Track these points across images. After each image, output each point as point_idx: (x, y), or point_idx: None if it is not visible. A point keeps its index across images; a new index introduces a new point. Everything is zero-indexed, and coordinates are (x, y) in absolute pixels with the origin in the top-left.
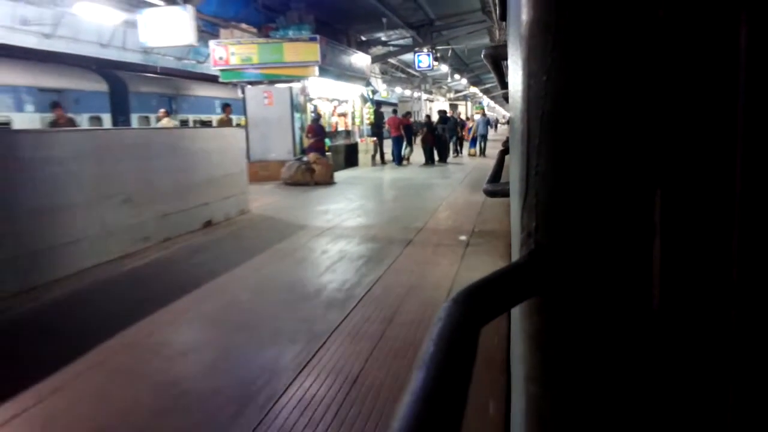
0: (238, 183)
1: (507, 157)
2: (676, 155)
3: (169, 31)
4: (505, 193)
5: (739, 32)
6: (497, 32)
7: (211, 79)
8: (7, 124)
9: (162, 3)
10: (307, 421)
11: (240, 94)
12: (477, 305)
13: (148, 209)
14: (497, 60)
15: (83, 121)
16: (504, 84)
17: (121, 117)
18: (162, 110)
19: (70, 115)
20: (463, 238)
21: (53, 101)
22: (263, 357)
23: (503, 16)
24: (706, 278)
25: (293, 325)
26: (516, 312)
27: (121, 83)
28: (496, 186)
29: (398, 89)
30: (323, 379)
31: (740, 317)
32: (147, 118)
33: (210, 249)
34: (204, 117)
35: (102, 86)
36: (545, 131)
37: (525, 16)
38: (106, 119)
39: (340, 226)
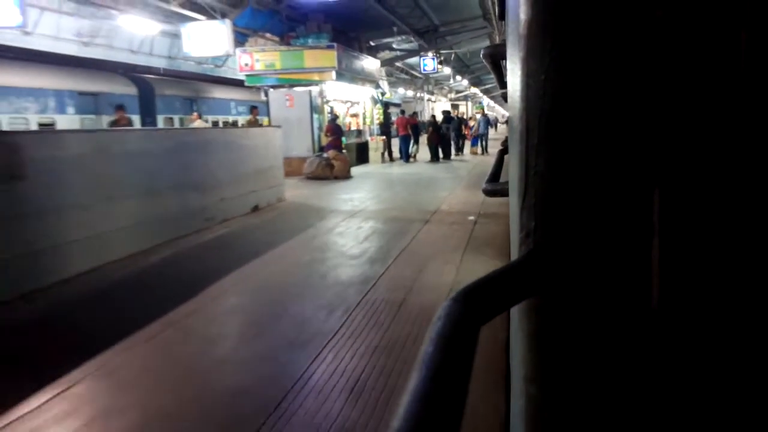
0: (277, 175)
1: (506, 156)
2: (675, 155)
3: (209, 42)
4: (505, 193)
5: (738, 32)
6: (497, 37)
7: (228, 83)
8: (51, 125)
9: (203, 18)
10: (374, 324)
11: (263, 97)
12: (476, 304)
13: (211, 195)
14: (496, 59)
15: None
16: (503, 83)
17: (148, 118)
18: (195, 113)
19: (104, 116)
20: (471, 218)
21: (117, 104)
22: (333, 292)
23: (502, 16)
24: (705, 278)
25: (349, 273)
26: (515, 311)
27: (149, 87)
28: (495, 185)
29: (401, 90)
30: (379, 303)
31: (739, 317)
32: (171, 119)
33: (263, 227)
34: (221, 118)
35: (132, 90)
36: (544, 131)
37: (523, 15)
38: (136, 120)
39: (365, 210)
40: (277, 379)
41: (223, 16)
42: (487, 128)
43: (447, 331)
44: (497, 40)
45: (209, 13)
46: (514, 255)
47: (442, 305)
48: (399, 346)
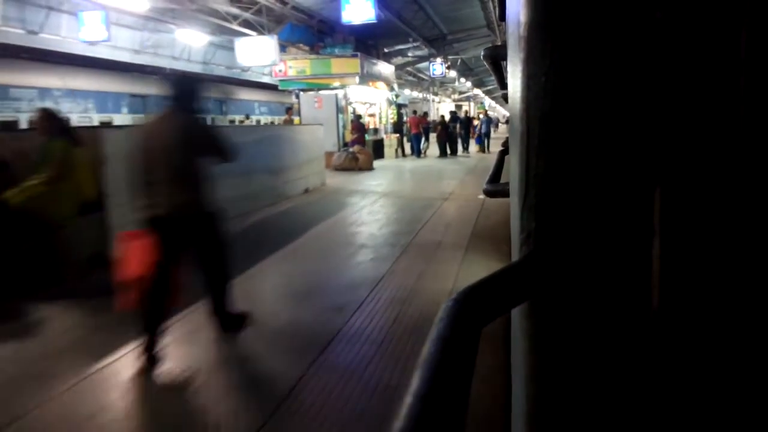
0: (320, 164)
1: (506, 157)
2: (676, 154)
3: (258, 53)
4: (505, 194)
5: (738, 32)
6: (499, 43)
7: (252, 85)
8: (109, 122)
9: (254, 33)
10: (423, 252)
11: (294, 99)
12: (477, 306)
13: (279, 177)
14: (496, 60)
15: None
16: (503, 84)
17: None
18: (245, 115)
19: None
20: (481, 197)
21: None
22: (390, 237)
23: (502, 17)
24: (706, 279)
25: (397, 228)
26: (516, 312)
27: None
28: (496, 186)
29: (406, 91)
30: (425, 241)
31: (741, 319)
32: (204, 118)
33: (319, 202)
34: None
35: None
36: (545, 132)
37: (523, 17)
38: None
39: (394, 192)
40: (372, 273)
41: (269, 31)
42: (489, 128)
43: (448, 332)
44: None
45: (258, 29)
46: (515, 256)
47: (443, 306)
48: (441, 262)
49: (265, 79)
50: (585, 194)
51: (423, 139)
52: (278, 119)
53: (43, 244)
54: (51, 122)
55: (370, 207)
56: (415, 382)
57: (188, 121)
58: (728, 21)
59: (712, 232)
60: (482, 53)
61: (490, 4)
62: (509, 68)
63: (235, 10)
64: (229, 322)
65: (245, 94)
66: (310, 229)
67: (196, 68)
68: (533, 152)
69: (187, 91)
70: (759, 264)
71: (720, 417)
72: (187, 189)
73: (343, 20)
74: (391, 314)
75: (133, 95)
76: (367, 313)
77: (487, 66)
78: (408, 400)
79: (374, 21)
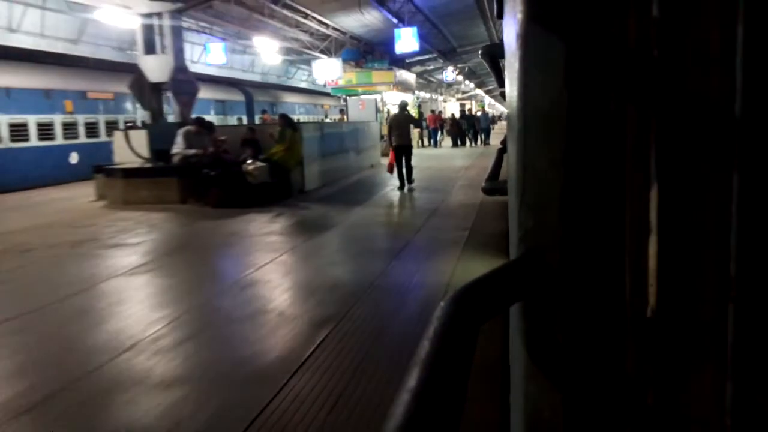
0: (377, 148)
1: (505, 155)
2: (672, 150)
3: (328, 71)
4: (504, 191)
5: (734, 29)
6: None
7: (294, 90)
8: None
9: (325, 56)
10: (463, 192)
11: (342, 102)
12: (475, 304)
13: (358, 156)
14: (494, 58)
15: (233, 120)
16: (501, 82)
17: (249, 118)
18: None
19: (228, 117)
20: None
21: (263, 109)
22: (441, 189)
23: (500, 14)
24: (703, 276)
25: (442, 183)
26: (513, 310)
27: (250, 95)
28: (494, 184)
29: (415, 91)
30: (461, 186)
31: (739, 317)
32: (261, 118)
33: (384, 172)
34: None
35: (241, 97)
36: (542, 130)
37: (521, 14)
38: (244, 119)
39: (429, 167)
40: (438, 197)
41: (335, 53)
42: (487, 124)
43: (446, 331)
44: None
45: (326, 53)
46: (513, 254)
47: (440, 305)
48: (473, 195)
49: (303, 85)
50: (582, 192)
51: (439, 133)
52: (312, 117)
53: (284, 180)
54: (284, 120)
55: (420, 173)
56: (411, 380)
57: (406, 113)
58: (725, 18)
59: (709, 230)
60: (480, 51)
61: (492, 26)
62: (507, 66)
63: (314, 41)
64: (411, 181)
65: (288, 98)
66: (391, 182)
67: (256, 77)
68: (531, 150)
69: (404, 105)
70: (758, 262)
71: (721, 415)
72: (405, 136)
73: (396, 52)
74: (454, 213)
75: (217, 101)
76: (438, 214)
77: (486, 65)
78: (405, 398)
79: (417, 51)
